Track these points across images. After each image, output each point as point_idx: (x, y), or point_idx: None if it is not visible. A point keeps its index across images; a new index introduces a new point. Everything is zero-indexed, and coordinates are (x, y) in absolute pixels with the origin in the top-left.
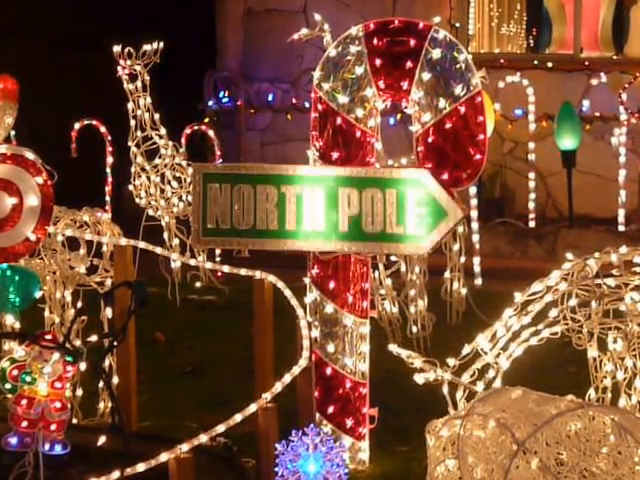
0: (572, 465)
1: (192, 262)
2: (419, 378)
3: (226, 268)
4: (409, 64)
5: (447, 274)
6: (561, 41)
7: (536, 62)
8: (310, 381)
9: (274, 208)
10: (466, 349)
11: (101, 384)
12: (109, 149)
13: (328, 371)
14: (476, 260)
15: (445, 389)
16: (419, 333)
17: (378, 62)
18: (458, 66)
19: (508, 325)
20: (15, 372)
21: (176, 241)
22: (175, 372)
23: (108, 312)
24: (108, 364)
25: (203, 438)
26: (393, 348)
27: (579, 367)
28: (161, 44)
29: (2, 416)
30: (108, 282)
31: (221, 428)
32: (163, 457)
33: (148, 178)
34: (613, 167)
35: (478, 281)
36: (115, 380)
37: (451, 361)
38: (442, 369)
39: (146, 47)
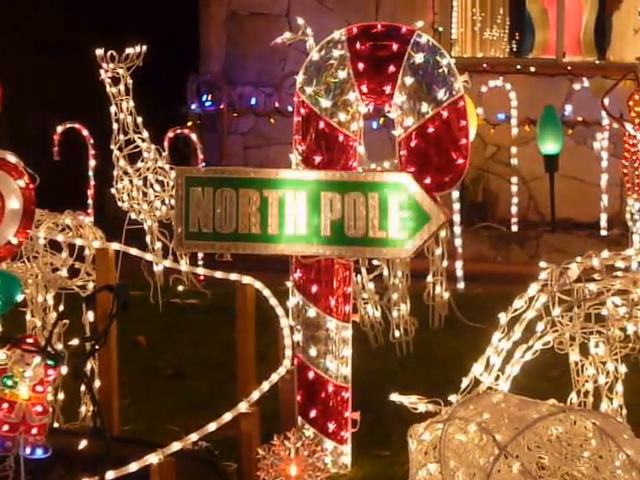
0: (554, 469)
1: (168, 264)
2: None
3: (219, 274)
4: (392, 68)
5: (429, 278)
6: (544, 46)
7: (519, 67)
8: (292, 385)
9: (256, 212)
10: (465, 382)
11: (82, 388)
12: (91, 152)
13: (310, 375)
14: (458, 264)
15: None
16: (401, 337)
17: (361, 66)
18: (441, 70)
19: (499, 349)
20: None
21: (158, 245)
22: (157, 375)
23: (90, 316)
24: (90, 368)
25: (185, 442)
26: (395, 397)
27: (561, 371)
28: (144, 47)
29: None
30: (90, 286)
31: (203, 432)
32: (145, 461)
33: (130, 181)
34: (595, 171)
35: (460, 285)
36: (97, 384)
37: (453, 398)
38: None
39: (129, 50)
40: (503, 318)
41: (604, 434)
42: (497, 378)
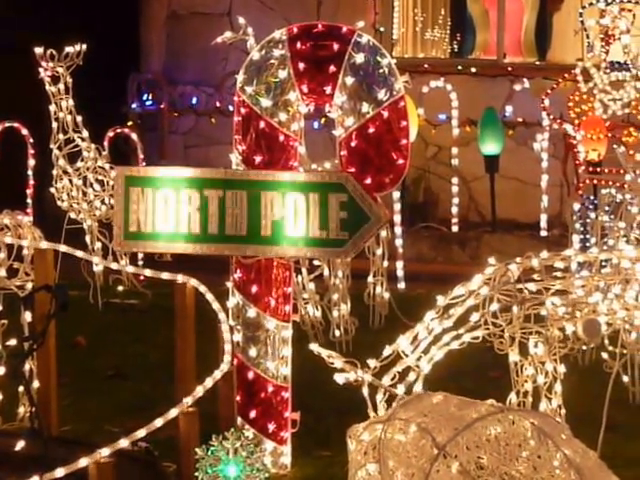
0: (492, 469)
1: (114, 266)
2: (339, 378)
3: (148, 272)
4: (332, 68)
5: (370, 278)
6: (484, 46)
7: (460, 67)
8: (232, 385)
9: (196, 211)
10: (387, 350)
11: (21, 388)
12: (30, 151)
13: (250, 375)
14: (399, 264)
15: (365, 391)
16: (342, 337)
17: (301, 66)
18: (381, 71)
19: (430, 328)
20: None
21: (98, 244)
22: (96, 376)
23: (28, 316)
24: (28, 368)
25: (124, 442)
26: (314, 347)
27: (501, 371)
28: (84, 46)
29: None
30: (29, 286)
31: (142, 433)
32: (83, 462)
33: (70, 181)
34: (535, 172)
35: (401, 285)
36: (35, 384)
37: (372, 362)
38: (363, 370)
39: (69, 49)
40: (441, 300)
41: (542, 434)
42: (419, 359)
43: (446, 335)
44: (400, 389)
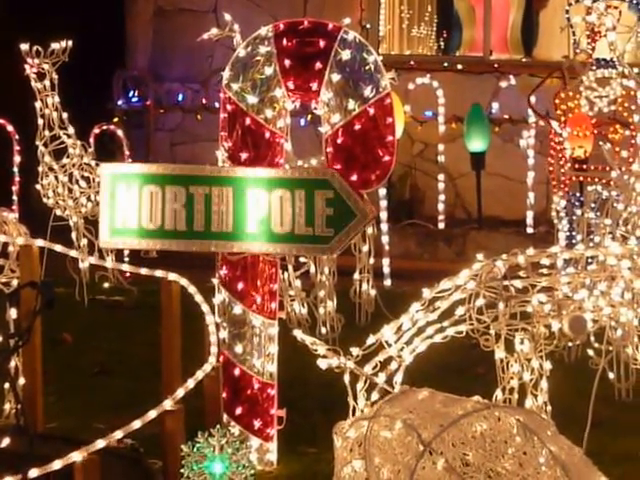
0: (478, 465)
1: (96, 262)
2: (322, 363)
3: (143, 270)
4: (318, 65)
5: (356, 275)
6: (471, 43)
7: (446, 64)
8: (218, 382)
9: (182, 208)
10: (370, 339)
11: (6, 385)
12: (16, 148)
13: (236, 372)
14: (385, 261)
15: (346, 378)
16: (328, 334)
17: (287, 63)
18: (367, 67)
19: (414, 319)
20: None
21: (84, 241)
22: (82, 373)
23: (13, 312)
24: (14, 365)
25: (110, 439)
26: (297, 334)
27: (487, 368)
28: (70, 43)
29: None
30: (14, 283)
31: (127, 429)
32: (69, 459)
33: (56, 177)
34: (522, 169)
35: (387, 282)
36: (21, 381)
37: (355, 350)
38: (345, 357)
39: (54, 45)
40: (427, 292)
41: (528, 430)
42: (402, 349)
43: (430, 328)
44: (381, 378)
